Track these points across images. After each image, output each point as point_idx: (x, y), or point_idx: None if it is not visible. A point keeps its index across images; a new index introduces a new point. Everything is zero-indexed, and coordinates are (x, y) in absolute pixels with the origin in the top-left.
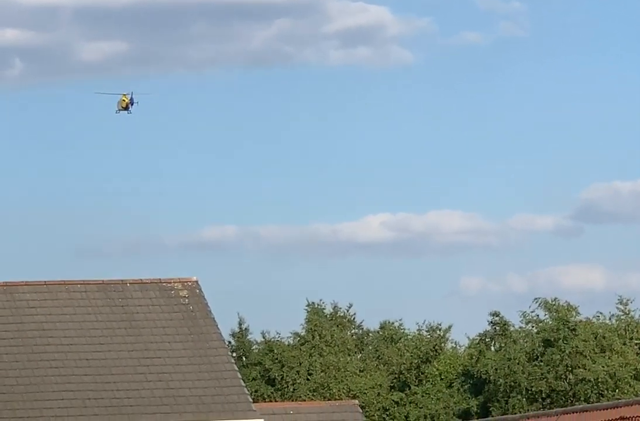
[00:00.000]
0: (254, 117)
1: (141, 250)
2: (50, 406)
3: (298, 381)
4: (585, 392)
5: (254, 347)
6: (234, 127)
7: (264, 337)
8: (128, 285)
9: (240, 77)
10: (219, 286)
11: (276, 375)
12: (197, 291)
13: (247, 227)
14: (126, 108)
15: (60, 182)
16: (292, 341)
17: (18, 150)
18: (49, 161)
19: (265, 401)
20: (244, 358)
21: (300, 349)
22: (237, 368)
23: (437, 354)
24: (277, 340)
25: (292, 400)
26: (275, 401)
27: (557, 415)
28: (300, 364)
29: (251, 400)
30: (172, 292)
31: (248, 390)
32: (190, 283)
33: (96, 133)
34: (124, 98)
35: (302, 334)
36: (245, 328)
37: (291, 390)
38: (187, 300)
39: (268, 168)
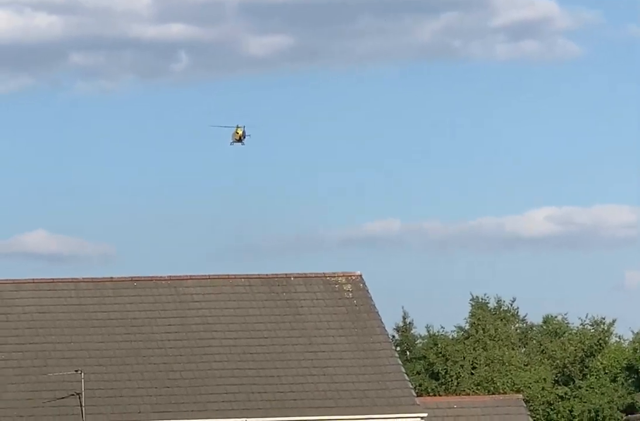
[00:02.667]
0: (417, 110)
1: (305, 244)
2: (215, 400)
3: (462, 375)
4: None
5: (418, 341)
6: (397, 120)
7: (428, 331)
8: (292, 279)
9: (406, 71)
10: (383, 280)
11: (440, 369)
12: (361, 285)
13: (411, 221)
14: (240, 140)
15: (227, 177)
16: (456, 335)
17: (184, 144)
18: (213, 156)
19: (429, 396)
20: (407, 353)
21: (464, 343)
22: (400, 363)
23: (602, 348)
24: (441, 334)
25: (456, 394)
26: (439, 395)
27: None
28: (464, 358)
29: (415, 394)
30: (337, 286)
31: (412, 384)
32: (354, 278)
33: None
34: (237, 130)
35: (466, 328)
36: (410, 322)
37: (455, 384)
38: (351, 294)
39: (431, 162)
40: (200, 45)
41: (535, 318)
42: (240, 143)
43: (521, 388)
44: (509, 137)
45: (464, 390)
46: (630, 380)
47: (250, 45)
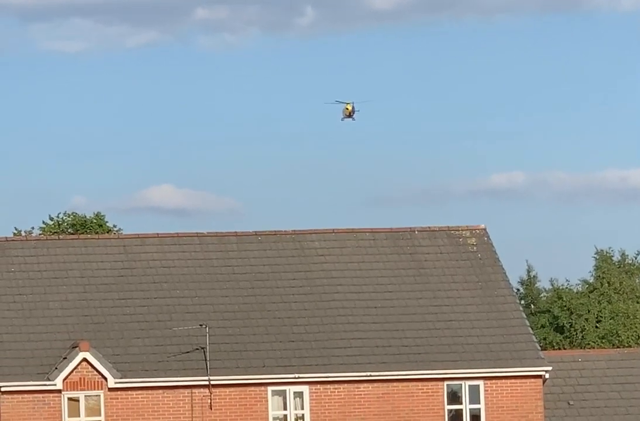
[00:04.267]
0: (544, 62)
1: (430, 198)
2: (339, 354)
3: (587, 328)
4: None
5: (542, 295)
6: (522, 73)
7: (552, 285)
8: (416, 232)
9: (531, 23)
10: (507, 233)
11: (565, 322)
12: (486, 238)
13: (536, 173)
14: (350, 116)
15: (351, 131)
16: (580, 289)
17: (309, 95)
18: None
19: (553, 349)
20: (532, 306)
21: (589, 296)
22: (525, 316)
23: None
24: (566, 288)
25: (581, 348)
26: (564, 348)
27: None
28: (589, 311)
29: (539, 348)
30: (461, 240)
31: (536, 338)
32: (478, 231)
33: (389, 75)
34: (347, 106)
35: (590, 281)
36: (534, 276)
37: (580, 337)
38: (475, 247)
39: (556, 114)
40: None
41: None
42: (350, 119)
43: None
44: (634, 90)
45: (589, 344)
46: None
47: None
